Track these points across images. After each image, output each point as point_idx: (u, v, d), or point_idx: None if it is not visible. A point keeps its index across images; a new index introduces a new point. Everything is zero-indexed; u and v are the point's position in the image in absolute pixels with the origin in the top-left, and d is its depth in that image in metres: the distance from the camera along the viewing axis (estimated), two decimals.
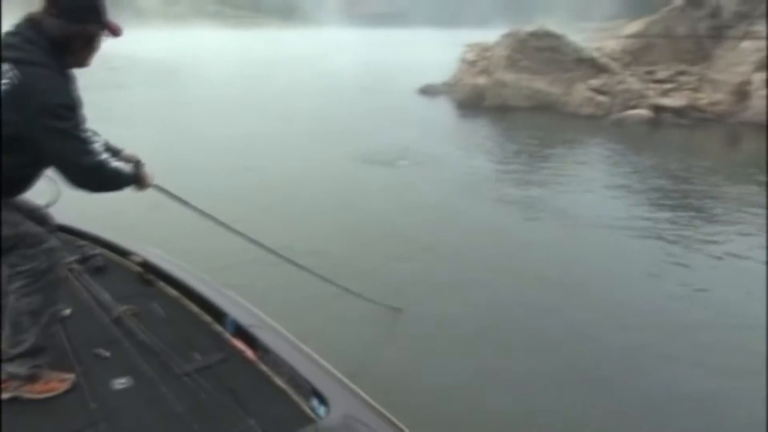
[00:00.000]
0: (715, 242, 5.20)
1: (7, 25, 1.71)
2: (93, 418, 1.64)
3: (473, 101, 13.07)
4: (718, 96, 11.35)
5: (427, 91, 15.02)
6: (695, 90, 11.63)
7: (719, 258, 4.84)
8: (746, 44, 11.59)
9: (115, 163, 1.77)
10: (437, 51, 19.51)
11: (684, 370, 3.16)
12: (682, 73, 12.08)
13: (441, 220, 5.76)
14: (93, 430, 1.59)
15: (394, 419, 1.60)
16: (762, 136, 9.53)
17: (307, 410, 1.67)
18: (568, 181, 7.36)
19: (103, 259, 2.67)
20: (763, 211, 5.93)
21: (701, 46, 12.42)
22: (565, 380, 3.06)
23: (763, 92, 10.70)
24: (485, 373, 3.12)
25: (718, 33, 12.24)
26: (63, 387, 1.75)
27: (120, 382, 1.81)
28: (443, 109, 13.37)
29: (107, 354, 1.95)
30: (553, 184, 7.20)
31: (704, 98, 11.41)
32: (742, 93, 11.11)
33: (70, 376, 1.81)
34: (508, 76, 12.75)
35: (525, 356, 3.31)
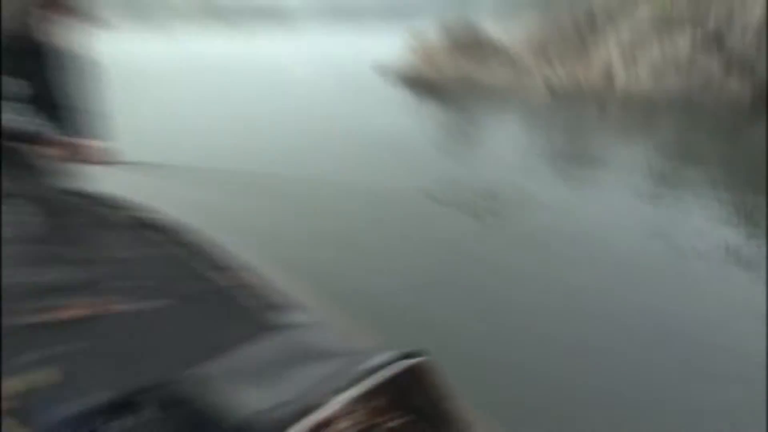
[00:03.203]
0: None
1: None
2: (106, 334, 1.83)
3: (414, 81, 15.80)
4: (593, 76, 14.71)
5: (381, 72, 17.76)
6: (578, 72, 14.96)
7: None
8: (612, 37, 15.04)
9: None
10: (388, 40, 21.82)
11: None
12: (569, 58, 15.39)
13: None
14: (107, 343, 1.75)
15: (344, 323, 1.81)
16: (623, 108, 13.10)
17: (272, 319, 1.81)
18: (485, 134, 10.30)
19: (99, 211, 2.84)
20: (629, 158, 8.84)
21: (582, 38, 15.77)
22: None
23: (623, 75, 14.22)
24: None
25: (593, 28, 15.67)
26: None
27: (123, 307, 1.97)
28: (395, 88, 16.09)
29: (111, 285, 2.14)
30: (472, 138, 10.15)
31: (584, 78, 14.81)
32: (608, 75, 14.40)
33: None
34: (441, 61, 15.58)
35: None
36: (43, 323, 1.87)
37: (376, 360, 1.28)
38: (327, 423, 1.20)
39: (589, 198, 6.75)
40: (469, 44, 15.44)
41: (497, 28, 16.87)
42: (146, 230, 2.66)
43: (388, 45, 20.18)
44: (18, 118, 1.85)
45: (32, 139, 1.89)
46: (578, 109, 13.60)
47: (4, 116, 1.82)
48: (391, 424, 1.32)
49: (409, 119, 12.19)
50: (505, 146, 9.65)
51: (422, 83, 15.76)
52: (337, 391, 1.20)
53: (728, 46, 12.95)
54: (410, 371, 1.30)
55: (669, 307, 3.67)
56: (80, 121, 1.99)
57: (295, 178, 6.22)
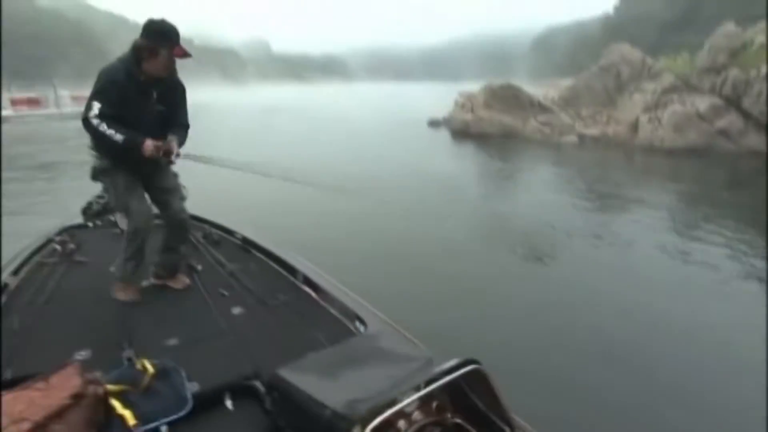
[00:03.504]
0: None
1: None
2: (223, 330, 2.22)
3: (462, 130, 18.29)
4: (620, 128, 16.53)
5: (433, 123, 20.81)
6: (606, 124, 16.81)
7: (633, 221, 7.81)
8: (636, 95, 17.09)
9: (103, 128, 2.26)
10: (438, 98, 25.05)
11: None
12: (598, 113, 17.44)
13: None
14: (223, 338, 2.15)
15: (408, 334, 2.05)
16: (645, 156, 14.38)
17: (352, 328, 2.21)
18: (524, 175, 11.98)
19: (218, 235, 3.43)
20: (648, 200, 9.17)
21: (609, 95, 17.91)
22: None
23: (648, 126, 15.87)
24: None
25: (620, 88, 17.78)
26: (185, 284, 2.67)
27: (236, 310, 2.43)
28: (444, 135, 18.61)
29: (226, 293, 2.61)
30: (514, 177, 11.86)
31: (611, 129, 16.65)
32: (633, 127, 16.16)
33: (188, 280, 2.70)
34: (485, 114, 18.00)
35: None
36: (168, 315, 2.36)
37: (441, 365, 1.40)
38: (402, 416, 1.37)
39: (619, 234, 7.14)
40: (509, 100, 17.82)
41: (534, 89, 19.25)
42: (252, 249, 3.19)
43: (435, 98, 22.92)
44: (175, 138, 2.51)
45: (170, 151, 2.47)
46: (606, 156, 14.79)
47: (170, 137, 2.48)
48: (453, 421, 1.51)
49: (457, 163, 13.82)
50: (541, 187, 10.58)
51: (468, 133, 18.02)
52: (410, 389, 1.31)
53: (744, 106, 14.55)
54: (469, 376, 1.42)
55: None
56: (183, 133, 2.65)
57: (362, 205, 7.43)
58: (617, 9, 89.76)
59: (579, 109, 17.74)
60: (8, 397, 1.41)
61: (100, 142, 2.38)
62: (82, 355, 1.94)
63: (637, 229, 7.35)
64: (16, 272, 2.70)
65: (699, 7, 60.71)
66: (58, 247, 3.09)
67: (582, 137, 16.38)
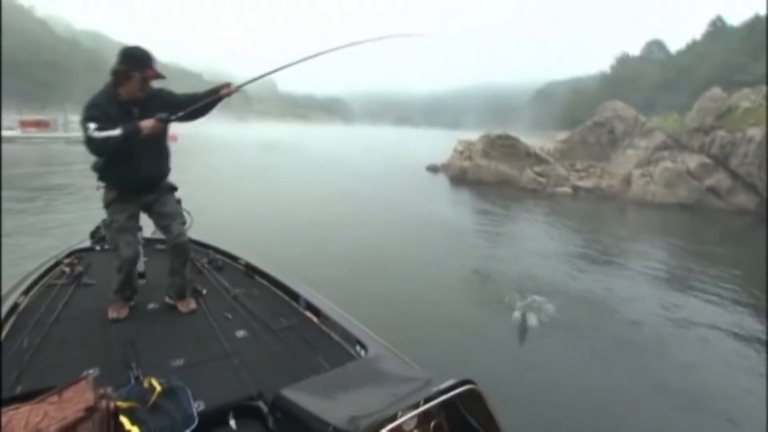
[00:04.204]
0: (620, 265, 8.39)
1: None
2: (227, 352, 2.29)
3: (460, 176, 18.68)
4: (613, 182, 16.99)
5: (431, 168, 21.30)
6: (599, 177, 17.30)
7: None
8: (629, 151, 17.65)
9: (102, 133, 2.40)
10: (437, 144, 25.80)
11: None
12: (592, 166, 17.89)
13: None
14: (227, 360, 2.22)
15: (406, 358, 2.10)
16: (638, 210, 14.62)
17: (353, 352, 2.27)
18: (518, 223, 12.10)
19: (222, 261, 3.52)
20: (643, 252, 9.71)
21: (603, 149, 18.48)
22: None
23: (641, 181, 16.32)
24: None
25: (613, 143, 18.37)
26: (191, 308, 2.76)
27: (240, 333, 2.50)
28: (442, 180, 18.98)
29: (230, 316, 2.70)
30: (508, 224, 11.88)
31: (605, 183, 17.13)
32: (626, 181, 16.68)
33: (194, 305, 2.79)
34: (483, 162, 18.44)
35: None
36: (174, 336, 2.43)
37: (438, 384, 1.45)
38: None
39: (611, 285, 7.25)
40: (507, 150, 18.32)
41: (532, 140, 19.84)
42: (255, 275, 3.29)
43: (435, 144, 23.57)
44: None
45: None
46: (600, 208, 15.07)
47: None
48: None
49: (453, 208, 14.14)
50: (533, 235, 10.71)
51: (465, 180, 18.47)
52: (408, 407, 1.36)
53: (731, 166, 15.04)
54: (465, 396, 1.47)
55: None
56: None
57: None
58: (613, 68, 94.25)
59: (573, 162, 18.20)
60: (24, 409, 1.47)
61: (104, 150, 2.48)
62: (91, 373, 1.98)
63: (631, 283, 7.33)
64: (26, 292, 2.76)
65: (690, 71, 63.57)
66: (66, 269, 3.18)
67: (576, 189, 16.77)
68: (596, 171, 17.51)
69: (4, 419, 1.42)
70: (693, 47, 78.20)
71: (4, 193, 10.75)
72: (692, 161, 15.63)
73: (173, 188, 2.91)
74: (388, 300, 5.92)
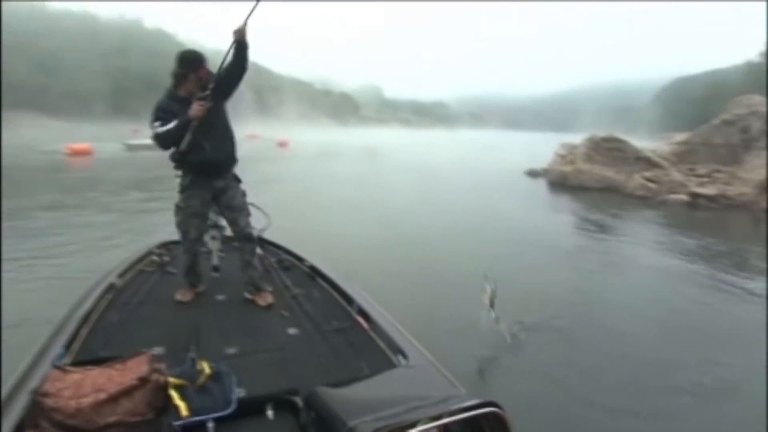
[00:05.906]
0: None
1: None
2: (277, 347, 2.46)
3: (559, 182, 17.67)
4: (745, 189, 14.75)
5: (531, 173, 20.62)
6: (726, 183, 15.09)
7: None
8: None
9: (162, 128, 2.80)
10: (544, 147, 24.54)
11: None
12: (717, 171, 15.69)
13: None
14: (275, 354, 2.38)
15: (446, 371, 2.11)
16: None
17: (394, 360, 2.32)
18: (622, 236, 10.69)
19: (289, 262, 3.71)
20: None
21: (733, 152, 16.08)
22: None
23: None
24: None
25: (747, 144, 15.91)
26: (269, 302, 2.97)
27: (292, 330, 2.65)
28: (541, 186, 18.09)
29: (287, 314, 2.85)
30: (612, 236, 10.60)
31: (734, 190, 14.84)
32: (762, 188, 14.40)
33: (271, 299, 3.01)
34: (585, 166, 17.23)
35: None
36: (233, 327, 2.65)
37: (462, 401, 1.48)
38: None
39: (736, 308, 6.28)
40: (613, 153, 16.85)
41: (650, 143, 17.84)
42: (317, 276, 3.43)
43: (541, 147, 22.31)
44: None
45: None
46: (729, 219, 13.11)
47: None
48: None
49: (552, 217, 12.88)
50: (639, 248, 9.36)
51: (565, 185, 17.29)
52: (429, 418, 1.40)
53: None
54: (487, 417, 1.49)
55: None
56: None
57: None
58: (763, 55, 78.19)
59: (693, 166, 16.16)
60: (95, 371, 1.83)
61: (167, 142, 2.84)
62: (156, 350, 2.29)
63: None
64: (122, 275, 3.25)
65: None
66: (156, 258, 3.64)
67: (694, 196, 14.80)
68: (722, 176, 15.34)
69: (81, 375, 1.78)
70: None
71: (142, 195, 12.52)
72: None
73: (239, 180, 3.20)
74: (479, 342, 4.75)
